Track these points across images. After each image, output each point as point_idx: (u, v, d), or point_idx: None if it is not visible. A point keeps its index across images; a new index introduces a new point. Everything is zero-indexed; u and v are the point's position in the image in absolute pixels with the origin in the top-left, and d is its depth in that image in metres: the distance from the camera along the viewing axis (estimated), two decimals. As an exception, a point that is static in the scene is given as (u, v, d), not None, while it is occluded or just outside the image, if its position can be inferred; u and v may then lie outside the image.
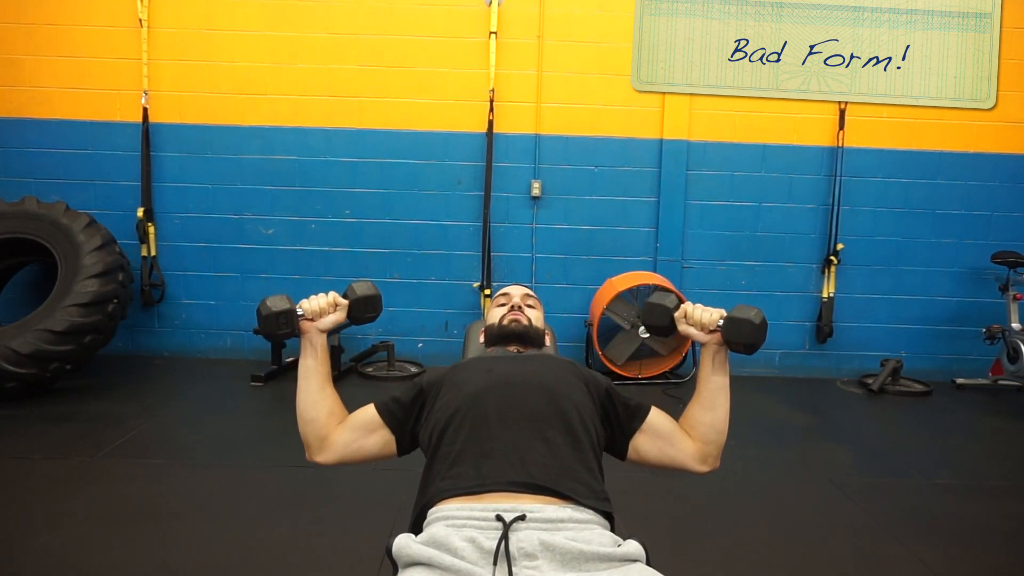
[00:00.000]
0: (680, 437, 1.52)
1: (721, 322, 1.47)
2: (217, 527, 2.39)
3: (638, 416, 1.52)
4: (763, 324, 1.45)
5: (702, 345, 1.52)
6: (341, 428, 1.53)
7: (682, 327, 1.53)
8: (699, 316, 1.50)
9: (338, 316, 1.56)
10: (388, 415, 1.52)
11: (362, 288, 1.58)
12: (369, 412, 1.53)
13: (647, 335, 4.41)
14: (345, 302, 1.56)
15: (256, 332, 1.50)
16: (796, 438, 3.61)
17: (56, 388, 3.86)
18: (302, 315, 1.52)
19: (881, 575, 2.26)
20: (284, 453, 3.14)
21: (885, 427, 3.88)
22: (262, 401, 3.96)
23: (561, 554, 1.16)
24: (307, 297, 1.55)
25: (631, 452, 1.52)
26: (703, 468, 1.52)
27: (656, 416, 1.53)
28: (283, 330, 1.50)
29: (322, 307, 1.54)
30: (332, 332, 1.61)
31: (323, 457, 1.52)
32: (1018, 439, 3.73)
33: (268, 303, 1.49)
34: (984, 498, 2.87)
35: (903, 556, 2.35)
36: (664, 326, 1.55)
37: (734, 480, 3.02)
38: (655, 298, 1.56)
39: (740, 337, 1.45)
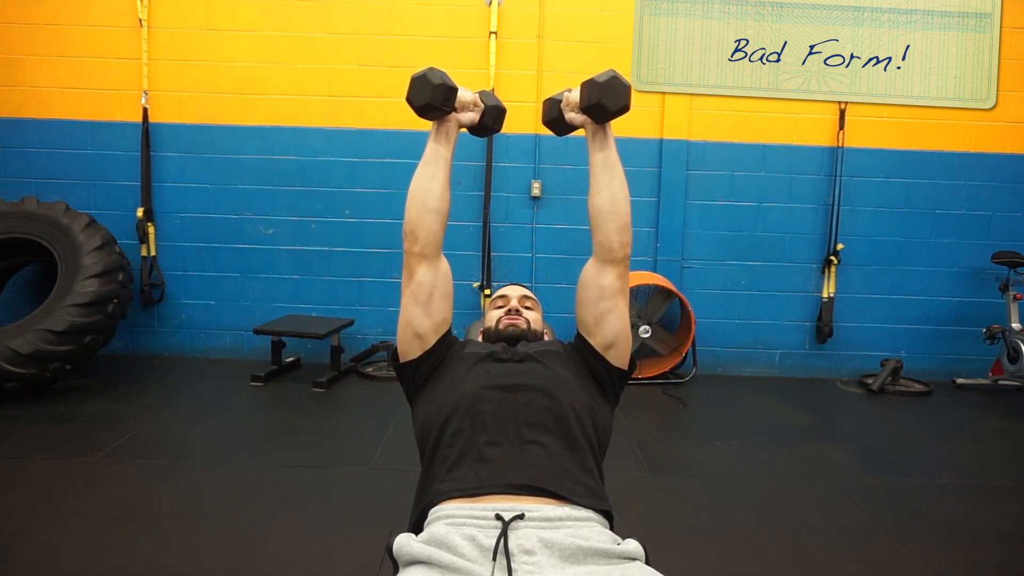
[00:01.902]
0: (582, 284, 1.54)
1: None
2: (217, 527, 2.39)
3: (581, 340, 1.56)
4: (612, 80, 1.42)
5: (585, 131, 1.53)
6: (447, 272, 1.54)
7: (567, 116, 1.54)
8: (572, 97, 1.52)
9: (474, 116, 1.57)
10: (442, 343, 1.54)
11: (495, 99, 1.61)
12: (448, 318, 1.56)
13: (647, 335, 4.42)
14: (482, 105, 1.57)
15: (418, 98, 1.47)
16: (796, 438, 3.61)
17: (56, 388, 3.86)
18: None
19: (881, 575, 2.26)
20: (284, 453, 3.14)
21: (885, 427, 3.88)
22: (262, 401, 3.96)
23: (560, 549, 1.16)
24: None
25: (610, 354, 1.53)
26: (612, 265, 1.51)
27: (578, 320, 1.57)
28: (444, 106, 1.49)
29: (467, 101, 1.54)
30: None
31: (420, 262, 1.50)
32: (1018, 439, 3.73)
33: (437, 72, 1.47)
34: (984, 498, 2.87)
35: (903, 556, 2.36)
36: (555, 118, 1.57)
37: (734, 480, 3.02)
38: (553, 96, 1.58)
39: (590, 100, 1.44)
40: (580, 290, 1.56)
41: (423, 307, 1.51)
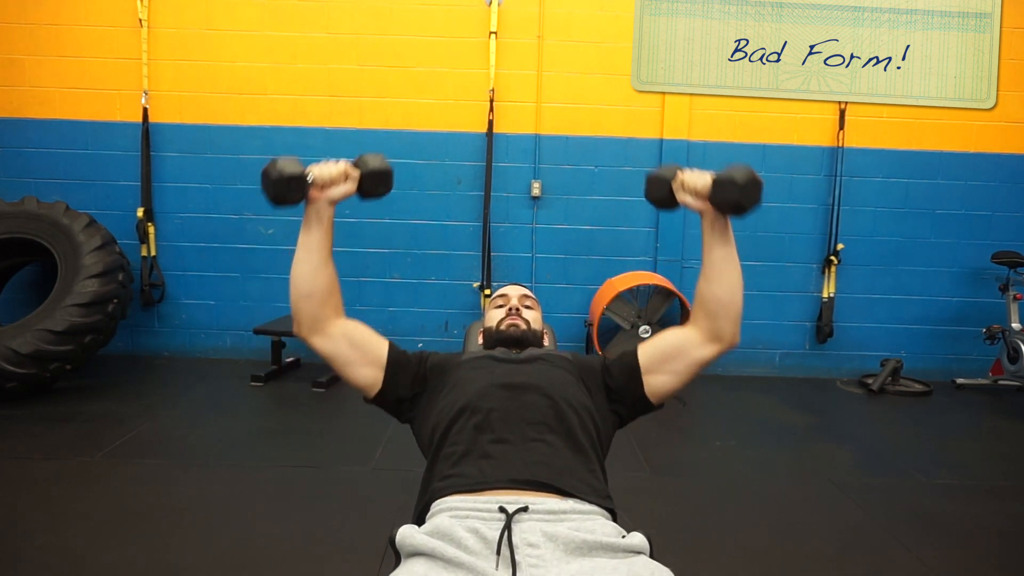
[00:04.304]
0: (679, 341, 1.50)
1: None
2: (217, 527, 2.39)
3: (632, 366, 1.51)
4: (750, 182, 1.36)
5: (702, 215, 1.48)
6: (344, 328, 1.49)
7: (680, 196, 1.49)
8: (692, 182, 1.46)
9: (349, 188, 1.47)
10: (393, 366, 1.50)
11: (375, 160, 1.49)
12: (381, 348, 1.51)
13: (647, 335, 4.41)
14: (357, 173, 1.47)
15: (264, 192, 1.39)
16: (796, 438, 3.61)
17: (56, 388, 3.86)
18: (312, 182, 1.42)
19: (881, 575, 2.26)
20: (284, 453, 3.14)
21: (885, 427, 3.88)
22: (262, 401, 3.96)
23: (564, 543, 1.15)
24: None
25: (652, 396, 1.50)
26: (720, 346, 1.48)
27: (644, 351, 1.52)
28: (293, 196, 1.39)
29: (333, 176, 1.45)
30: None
31: (313, 340, 1.48)
32: (1018, 439, 3.73)
33: (278, 164, 1.37)
34: (984, 498, 2.87)
35: (903, 556, 2.35)
36: (663, 197, 1.51)
37: (734, 480, 3.02)
38: (656, 171, 1.53)
39: (725, 197, 1.39)
40: (668, 348, 1.50)
41: (349, 366, 1.49)
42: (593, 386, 1.52)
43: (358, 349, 1.49)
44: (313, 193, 1.43)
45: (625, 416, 1.54)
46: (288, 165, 1.38)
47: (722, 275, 1.48)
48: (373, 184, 1.49)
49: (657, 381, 1.50)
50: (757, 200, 1.39)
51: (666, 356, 1.50)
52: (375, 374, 1.50)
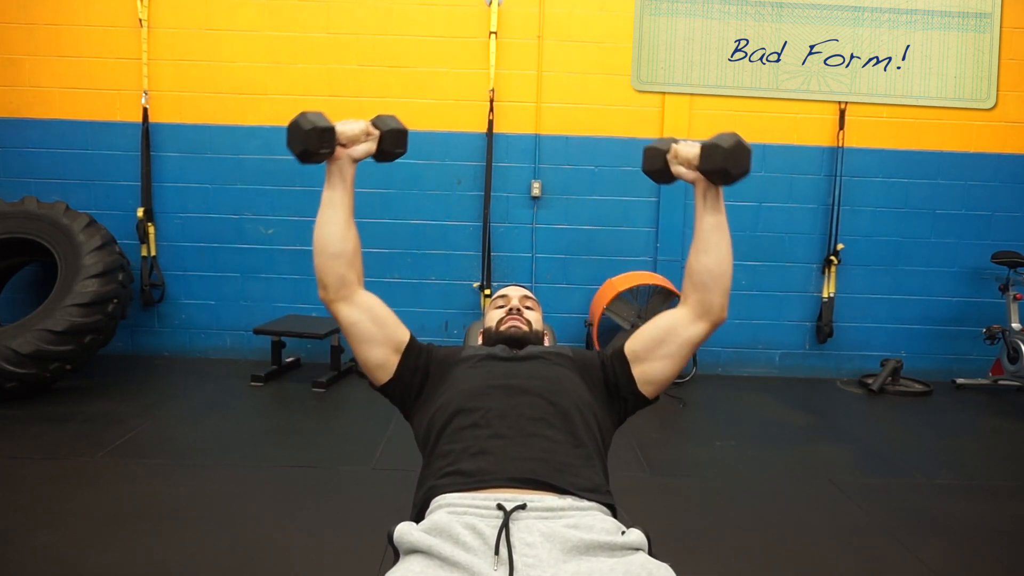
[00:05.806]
0: (668, 323, 1.50)
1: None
2: (217, 527, 2.39)
3: (621, 359, 1.51)
4: (736, 147, 1.38)
5: (694, 186, 1.49)
6: (370, 301, 1.49)
7: (674, 168, 1.50)
8: (684, 151, 1.47)
9: (369, 146, 1.50)
10: (409, 355, 1.51)
11: (392, 120, 1.52)
12: (402, 334, 1.51)
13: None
14: (377, 132, 1.50)
15: (292, 146, 1.40)
16: (796, 438, 3.61)
17: (56, 388, 3.86)
18: (338, 138, 1.45)
19: (881, 575, 2.26)
20: (284, 453, 3.14)
21: (885, 427, 3.88)
22: (262, 401, 3.96)
23: (561, 543, 1.15)
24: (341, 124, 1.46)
25: (645, 387, 1.50)
26: (709, 323, 1.47)
27: (633, 340, 1.52)
28: (323, 149, 1.41)
29: (356, 133, 1.47)
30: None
31: (339, 307, 1.47)
32: (1018, 439, 3.73)
33: (309, 117, 1.39)
34: (984, 498, 2.88)
35: (903, 556, 2.36)
36: (659, 168, 1.52)
37: (734, 480, 3.02)
38: (653, 143, 1.53)
39: (712, 164, 1.40)
40: (657, 332, 1.50)
41: (368, 343, 1.49)
42: (593, 382, 1.52)
43: (381, 327, 1.49)
44: (338, 150, 1.46)
45: (623, 412, 1.55)
46: (318, 118, 1.40)
47: (711, 244, 1.48)
48: (392, 143, 1.51)
49: (649, 369, 1.50)
50: (745, 166, 1.40)
51: (656, 341, 1.50)
52: (391, 358, 1.50)
